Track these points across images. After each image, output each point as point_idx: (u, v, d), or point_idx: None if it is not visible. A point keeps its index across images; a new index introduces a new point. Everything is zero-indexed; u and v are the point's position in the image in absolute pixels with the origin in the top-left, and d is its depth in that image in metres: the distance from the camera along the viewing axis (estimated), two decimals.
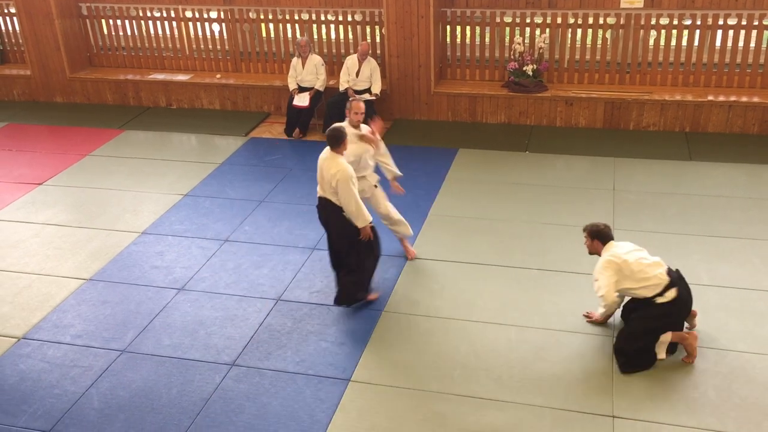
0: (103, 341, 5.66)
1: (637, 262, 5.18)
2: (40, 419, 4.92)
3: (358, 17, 9.92)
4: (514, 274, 6.27)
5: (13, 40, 11.32)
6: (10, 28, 11.24)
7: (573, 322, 5.63)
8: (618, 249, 5.27)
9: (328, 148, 5.70)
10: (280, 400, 4.99)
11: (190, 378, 5.23)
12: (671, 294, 5.12)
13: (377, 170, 6.44)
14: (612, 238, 5.36)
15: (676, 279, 5.21)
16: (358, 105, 6.08)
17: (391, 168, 6.48)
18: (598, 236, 5.35)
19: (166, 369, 5.33)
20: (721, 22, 8.93)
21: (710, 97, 8.94)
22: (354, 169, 5.75)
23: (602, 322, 5.57)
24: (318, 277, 6.37)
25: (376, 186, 6.31)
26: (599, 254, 5.36)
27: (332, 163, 5.59)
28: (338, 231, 5.80)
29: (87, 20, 10.95)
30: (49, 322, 5.92)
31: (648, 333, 5.15)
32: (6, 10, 11.09)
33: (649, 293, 5.14)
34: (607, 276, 5.18)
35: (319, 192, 5.78)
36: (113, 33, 10.99)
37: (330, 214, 5.75)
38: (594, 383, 5.02)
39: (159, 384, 5.19)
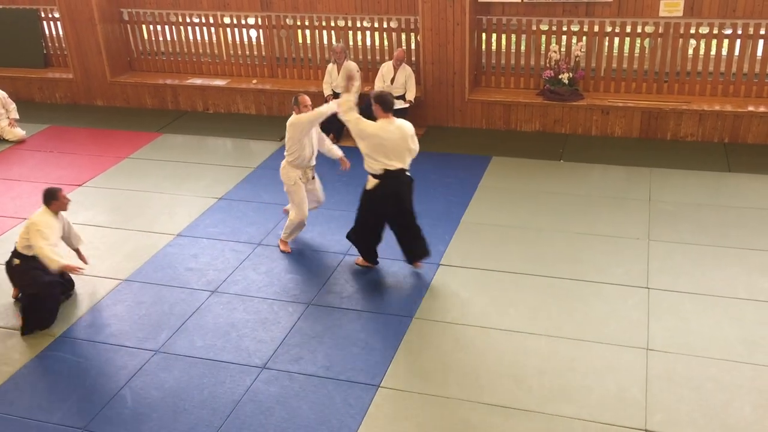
0: (138, 341, 5.75)
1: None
2: (75, 416, 5.01)
3: (393, 24, 9.95)
4: (545, 284, 6.23)
5: (57, 45, 11.59)
6: (54, 32, 11.51)
7: (605, 332, 5.56)
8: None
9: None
10: (309, 404, 5.02)
11: (222, 380, 5.29)
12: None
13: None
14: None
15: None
16: (305, 98, 6.64)
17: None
18: (382, 104, 6.01)
19: (198, 370, 5.40)
20: (762, 32, 8.77)
21: (750, 108, 8.78)
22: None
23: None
24: (349, 283, 6.40)
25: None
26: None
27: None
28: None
29: (128, 25, 11.16)
30: (85, 321, 6.03)
31: None
32: (50, 15, 11.36)
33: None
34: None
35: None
36: (153, 38, 11.19)
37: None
38: (626, 395, 4.95)
39: (191, 385, 5.25)
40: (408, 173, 6.22)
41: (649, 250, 6.64)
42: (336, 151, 7.01)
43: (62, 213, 6.12)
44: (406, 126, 6.15)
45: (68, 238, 6.30)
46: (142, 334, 5.83)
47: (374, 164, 6.08)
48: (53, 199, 5.95)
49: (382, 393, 5.09)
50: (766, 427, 4.64)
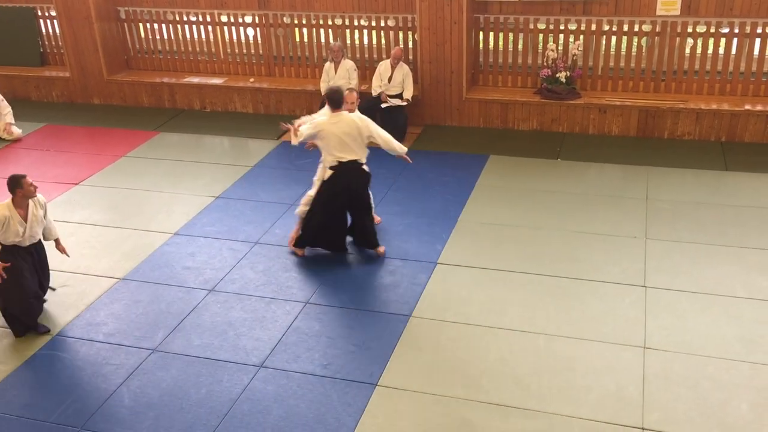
0: (135, 340, 5.74)
1: None
2: (72, 415, 5.00)
3: (391, 23, 9.94)
4: (543, 282, 6.23)
5: (53, 43, 11.55)
6: (51, 30, 11.48)
7: (603, 331, 5.57)
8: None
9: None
10: (307, 403, 5.01)
11: (219, 378, 5.28)
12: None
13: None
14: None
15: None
16: (351, 95, 6.56)
17: None
18: (330, 101, 6.40)
19: (196, 369, 5.39)
20: (759, 31, 8.78)
21: (747, 107, 8.80)
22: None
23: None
24: (346, 281, 6.39)
25: None
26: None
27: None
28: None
29: (125, 24, 11.13)
30: (82, 320, 6.02)
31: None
32: (47, 13, 11.33)
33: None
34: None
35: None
36: (150, 37, 11.16)
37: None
38: (624, 394, 4.96)
39: (188, 383, 5.25)
40: (364, 166, 6.44)
41: (646, 249, 6.65)
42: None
43: (37, 201, 5.83)
44: (357, 119, 6.39)
45: (45, 230, 6.04)
46: (139, 333, 5.82)
47: (328, 158, 6.40)
48: (17, 187, 5.66)
49: (379, 392, 5.09)
50: (764, 426, 4.65)
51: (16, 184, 5.71)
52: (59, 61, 11.57)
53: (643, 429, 4.67)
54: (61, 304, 6.23)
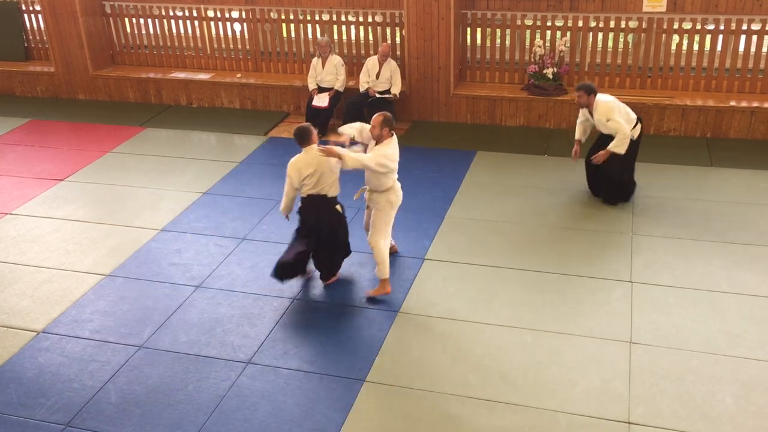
0: (121, 336, 5.71)
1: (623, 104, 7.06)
2: (58, 413, 4.98)
3: (378, 18, 9.94)
4: (530, 278, 6.26)
5: (38, 38, 11.45)
6: (35, 25, 11.37)
7: (589, 326, 5.60)
8: (608, 96, 7.02)
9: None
10: (294, 399, 5.01)
11: (206, 375, 5.27)
12: (638, 129, 7.10)
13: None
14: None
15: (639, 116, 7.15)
16: (375, 118, 5.77)
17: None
18: (593, 91, 6.92)
19: (183, 365, 5.37)
20: (744, 27, 8.85)
21: (732, 103, 8.86)
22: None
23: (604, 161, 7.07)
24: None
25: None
26: (590, 107, 6.99)
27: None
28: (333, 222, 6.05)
29: (110, 18, 11.06)
30: (68, 316, 5.99)
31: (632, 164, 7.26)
32: (31, 8, 11.23)
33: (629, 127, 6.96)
34: (618, 116, 6.88)
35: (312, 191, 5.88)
36: (136, 31, 11.09)
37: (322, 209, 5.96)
38: (609, 388, 4.99)
39: (175, 380, 5.23)
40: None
41: (632, 244, 6.69)
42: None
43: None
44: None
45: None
46: (126, 329, 5.80)
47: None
48: (311, 135, 5.84)
49: (367, 387, 5.10)
50: (748, 419, 4.70)
51: (309, 133, 5.84)
52: (44, 56, 11.47)
53: (629, 423, 4.71)
54: (46, 300, 6.19)
